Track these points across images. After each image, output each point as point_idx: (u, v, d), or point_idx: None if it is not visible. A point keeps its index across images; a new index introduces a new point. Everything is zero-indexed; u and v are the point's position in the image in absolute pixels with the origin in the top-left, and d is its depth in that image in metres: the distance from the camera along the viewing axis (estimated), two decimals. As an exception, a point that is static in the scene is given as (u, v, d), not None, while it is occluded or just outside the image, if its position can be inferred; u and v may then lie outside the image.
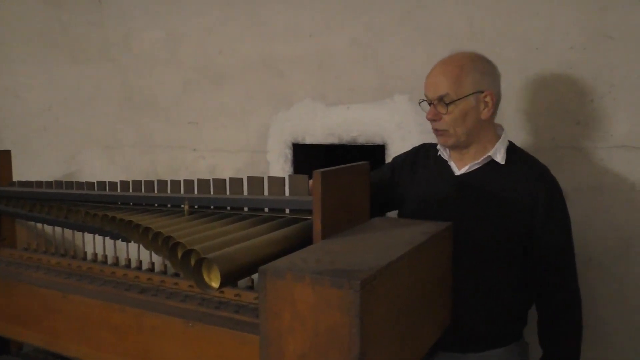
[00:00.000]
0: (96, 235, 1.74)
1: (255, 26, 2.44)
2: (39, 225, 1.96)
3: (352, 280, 0.89)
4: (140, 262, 1.66)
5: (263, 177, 1.40)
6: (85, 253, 1.79)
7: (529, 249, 1.50)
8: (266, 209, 1.40)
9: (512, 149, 1.56)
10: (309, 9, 2.29)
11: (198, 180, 1.51)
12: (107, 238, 1.70)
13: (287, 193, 1.35)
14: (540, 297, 1.57)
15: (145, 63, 2.78)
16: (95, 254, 1.75)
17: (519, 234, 1.48)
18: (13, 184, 2.09)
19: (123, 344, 1.43)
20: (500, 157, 1.52)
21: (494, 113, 1.52)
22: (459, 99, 1.46)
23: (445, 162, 1.59)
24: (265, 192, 1.40)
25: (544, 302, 1.56)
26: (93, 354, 1.50)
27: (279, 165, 2.39)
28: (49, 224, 1.89)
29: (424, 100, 1.54)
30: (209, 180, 1.50)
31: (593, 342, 1.85)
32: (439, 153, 1.62)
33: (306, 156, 2.08)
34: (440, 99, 1.47)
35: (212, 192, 1.49)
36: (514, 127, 1.91)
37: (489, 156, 1.52)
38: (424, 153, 1.68)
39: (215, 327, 1.26)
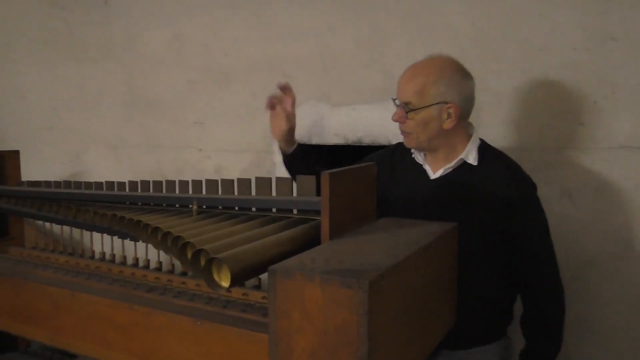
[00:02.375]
0: (104, 235, 1.76)
1: (260, 27, 2.45)
2: (47, 224, 1.98)
3: (361, 280, 0.91)
4: (148, 261, 1.67)
5: (271, 178, 1.42)
6: (93, 252, 1.81)
7: (508, 248, 1.53)
8: (274, 210, 1.41)
9: (484, 148, 1.58)
10: (313, 10, 2.31)
11: (206, 180, 1.53)
12: (115, 237, 1.71)
13: (294, 194, 1.37)
14: (524, 292, 1.61)
15: (151, 63, 2.79)
16: (103, 253, 1.77)
17: (498, 233, 1.51)
18: (22, 183, 2.11)
19: (131, 342, 1.44)
20: (472, 159, 1.55)
21: (459, 123, 1.54)
22: (420, 108, 1.51)
23: (420, 166, 1.62)
24: (273, 193, 1.42)
25: (527, 297, 1.60)
26: (100, 351, 1.51)
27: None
28: (57, 223, 1.91)
29: (395, 99, 1.58)
30: (217, 180, 1.51)
31: (594, 343, 1.87)
32: (413, 156, 1.65)
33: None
34: (404, 105, 1.53)
35: (220, 193, 1.50)
36: (517, 128, 1.93)
37: (461, 158, 1.55)
38: (400, 154, 1.71)
39: (222, 326, 1.27)
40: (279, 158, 2.36)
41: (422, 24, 2.09)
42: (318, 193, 1.28)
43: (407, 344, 1.11)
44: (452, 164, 1.56)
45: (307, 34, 2.34)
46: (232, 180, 1.49)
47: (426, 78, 1.51)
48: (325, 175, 1.16)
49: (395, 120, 1.56)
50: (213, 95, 2.63)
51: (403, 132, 1.58)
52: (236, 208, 1.48)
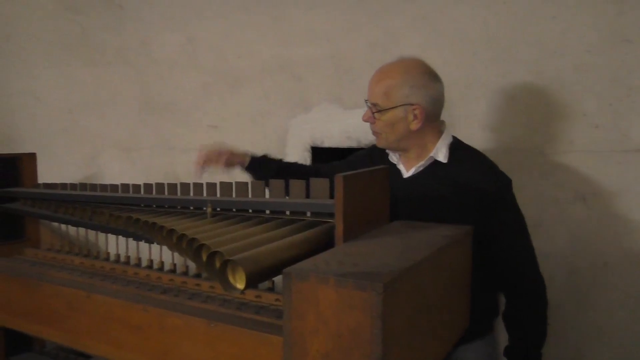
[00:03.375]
0: (119, 236, 1.77)
1: (273, 30, 2.46)
2: (63, 226, 2.00)
3: (375, 283, 0.91)
4: (162, 263, 1.68)
5: (284, 180, 1.43)
6: (108, 253, 1.83)
7: (485, 243, 1.53)
8: (288, 212, 1.42)
9: (456, 146, 1.60)
10: (326, 13, 2.32)
11: (220, 183, 1.54)
12: (130, 239, 1.73)
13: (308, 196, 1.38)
14: (505, 287, 1.62)
15: (164, 67, 2.82)
16: (118, 255, 1.79)
17: (475, 227, 1.50)
18: (38, 185, 2.13)
19: (145, 343, 1.45)
20: (442, 157, 1.58)
21: (427, 124, 1.57)
22: (386, 109, 1.55)
23: (394, 165, 1.66)
24: (287, 196, 1.42)
25: (508, 293, 1.61)
26: (115, 352, 1.53)
27: (297, 168, 2.41)
28: (73, 224, 1.93)
29: (366, 100, 1.62)
30: (231, 183, 1.52)
31: (609, 347, 1.85)
32: (389, 157, 1.68)
33: (325, 159, 2.11)
34: (373, 106, 1.58)
35: (234, 195, 1.52)
36: (531, 130, 1.92)
37: (431, 157, 1.58)
38: (379, 154, 1.74)
39: (236, 328, 1.28)
40: (291, 160, 2.37)
41: (434, 26, 2.08)
42: (331, 196, 1.29)
43: (421, 346, 1.11)
44: (423, 162, 1.59)
45: (320, 37, 2.34)
46: (246, 183, 1.50)
47: (392, 80, 1.56)
48: (339, 178, 1.16)
49: (365, 121, 1.62)
50: (226, 98, 2.64)
51: (374, 133, 1.63)
52: (250, 210, 1.48)
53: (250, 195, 1.49)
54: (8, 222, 2.17)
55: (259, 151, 2.54)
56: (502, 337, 1.68)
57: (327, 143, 2.34)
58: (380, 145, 1.64)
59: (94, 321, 1.56)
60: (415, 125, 1.56)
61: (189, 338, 1.37)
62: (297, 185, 1.38)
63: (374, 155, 1.76)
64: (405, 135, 1.58)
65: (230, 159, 1.77)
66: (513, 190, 1.58)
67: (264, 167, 1.80)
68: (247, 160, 1.80)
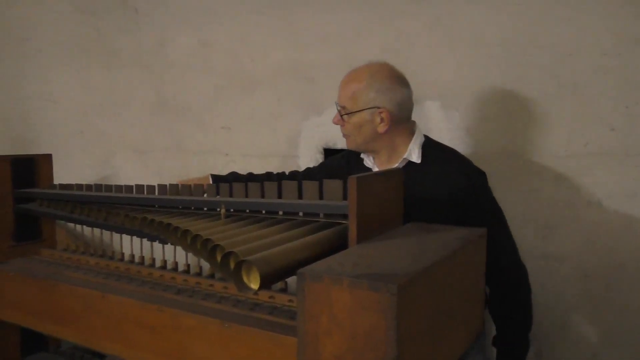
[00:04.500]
0: (133, 237, 1.79)
1: (287, 33, 2.47)
2: (78, 226, 2.02)
3: (389, 284, 0.91)
4: (177, 263, 1.69)
5: (297, 182, 1.43)
6: (122, 254, 1.84)
7: None
8: (301, 213, 1.42)
9: (428, 145, 1.63)
10: (339, 16, 2.32)
11: (234, 184, 1.55)
12: (144, 240, 1.74)
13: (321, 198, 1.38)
14: (487, 278, 1.59)
15: (178, 69, 2.84)
16: (133, 255, 1.80)
17: (449, 222, 1.50)
18: (54, 186, 2.16)
19: (159, 343, 1.46)
20: (415, 157, 1.60)
21: (394, 127, 1.61)
22: (352, 112, 1.60)
23: (370, 170, 1.69)
24: (300, 197, 1.43)
25: (491, 283, 1.61)
26: (130, 352, 1.54)
27: (310, 170, 2.41)
28: (88, 225, 1.94)
29: (336, 103, 1.66)
30: (245, 184, 1.53)
31: (626, 350, 1.84)
32: (364, 162, 1.72)
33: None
34: (341, 110, 1.63)
35: (247, 196, 1.52)
36: (546, 133, 1.91)
37: (405, 158, 1.61)
38: (355, 158, 1.77)
39: (250, 328, 1.28)
40: (303, 162, 2.38)
41: (447, 29, 2.08)
42: (344, 197, 1.29)
43: (435, 349, 1.11)
44: (397, 164, 1.62)
45: (333, 40, 2.35)
46: (260, 184, 1.50)
47: (358, 84, 1.60)
48: (352, 179, 1.16)
49: (335, 123, 1.66)
50: (239, 101, 2.65)
51: (343, 135, 1.67)
52: (263, 212, 1.49)
53: (263, 197, 1.49)
54: (25, 223, 2.20)
55: (270, 153, 2.55)
56: (492, 328, 1.67)
57: (340, 145, 2.35)
58: (350, 147, 1.68)
59: (109, 321, 1.57)
60: (382, 128, 1.60)
61: (202, 338, 1.37)
62: (310, 186, 1.39)
63: (351, 158, 1.79)
64: (373, 138, 1.62)
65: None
66: (488, 184, 1.59)
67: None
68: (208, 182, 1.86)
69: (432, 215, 1.50)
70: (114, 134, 3.12)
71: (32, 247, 2.15)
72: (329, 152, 2.39)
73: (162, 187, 1.73)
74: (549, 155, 1.91)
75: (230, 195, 1.55)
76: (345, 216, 1.25)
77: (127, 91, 3.06)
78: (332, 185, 1.33)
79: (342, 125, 1.65)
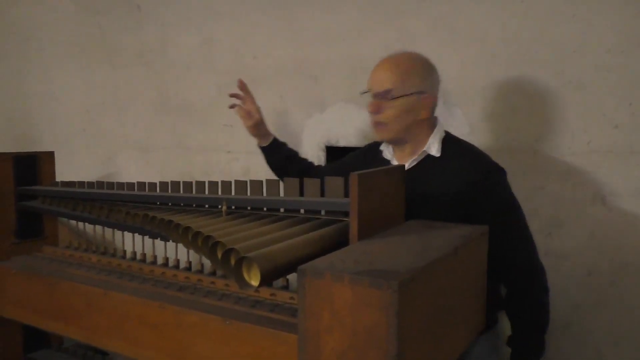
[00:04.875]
0: (135, 234, 1.79)
1: (289, 31, 2.47)
2: (81, 224, 2.02)
3: (390, 281, 0.91)
4: (178, 260, 1.69)
5: (299, 179, 1.43)
6: (124, 251, 1.84)
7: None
8: (302, 210, 1.42)
9: (448, 140, 1.61)
10: (342, 14, 2.32)
11: (235, 181, 1.55)
12: (146, 237, 1.74)
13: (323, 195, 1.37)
14: (504, 277, 1.60)
15: (181, 67, 2.84)
16: (135, 253, 1.80)
17: (468, 220, 1.49)
18: (56, 184, 2.16)
19: (162, 341, 1.46)
20: (434, 150, 1.58)
21: (431, 114, 1.60)
22: (401, 96, 1.54)
23: (388, 162, 1.66)
24: (301, 194, 1.42)
25: (508, 281, 1.60)
26: (132, 349, 1.54)
27: (313, 168, 2.41)
28: (90, 222, 1.95)
29: (366, 92, 1.61)
30: (246, 181, 1.53)
31: (630, 349, 1.83)
32: (383, 154, 1.69)
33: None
34: (384, 94, 1.55)
35: (249, 193, 1.52)
36: (550, 131, 1.90)
37: (425, 151, 1.59)
38: (373, 153, 1.75)
39: (251, 326, 1.28)
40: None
41: (451, 27, 2.07)
42: (346, 194, 1.29)
43: (436, 345, 1.11)
44: (416, 157, 1.60)
45: (336, 38, 2.34)
46: (261, 182, 1.50)
47: (406, 68, 1.57)
48: (354, 176, 1.16)
49: (373, 112, 1.59)
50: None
51: (378, 124, 1.60)
52: (265, 209, 1.49)
53: (264, 194, 1.49)
54: (27, 220, 2.20)
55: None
56: (507, 329, 1.66)
57: (342, 143, 2.34)
58: (383, 136, 1.62)
59: (111, 318, 1.57)
60: (424, 115, 1.58)
61: (204, 336, 1.37)
62: (312, 183, 1.38)
63: (367, 154, 1.77)
64: (411, 126, 1.59)
65: (254, 129, 1.96)
66: (507, 181, 1.57)
67: (278, 154, 1.97)
68: (269, 139, 1.96)
69: (448, 209, 1.51)
70: (117, 132, 3.12)
71: (35, 244, 2.16)
72: (331, 150, 2.39)
73: (163, 185, 1.73)
74: (552, 152, 1.90)
75: (232, 193, 1.55)
76: (347, 213, 1.24)
77: (129, 89, 3.06)
78: (334, 182, 1.33)
79: (378, 112, 1.58)
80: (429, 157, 1.60)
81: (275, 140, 1.99)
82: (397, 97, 1.55)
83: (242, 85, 1.99)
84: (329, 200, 1.32)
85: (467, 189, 1.51)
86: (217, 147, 2.75)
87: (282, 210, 1.46)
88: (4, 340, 2.14)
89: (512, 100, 1.97)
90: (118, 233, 1.88)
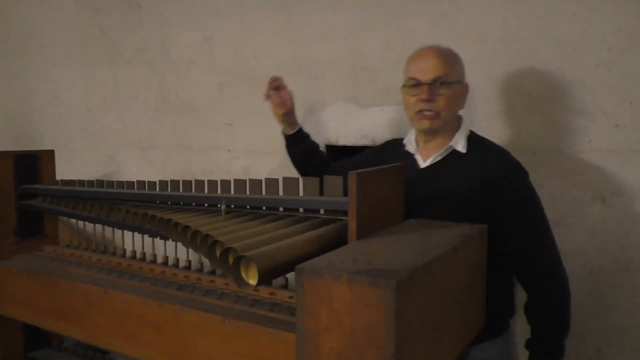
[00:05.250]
0: (135, 233, 1.79)
1: (290, 29, 2.47)
2: (81, 222, 2.02)
3: (388, 280, 0.90)
4: (178, 259, 1.69)
5: (298, 178, 1.43)
6: (124, 250, 1.85)
7: (502, 235, 1.52)
8: (301, 209, 1.42)
9: (473, 137, 1.61)
10: (343, 12, 2.31)
11: (235, 180, 1.55)
12: (146, 236, 1.74)
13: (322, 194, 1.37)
14: (525, 280, 1.58)
15: (182, 66, 2.84)
16: (134, 251, 1.80)
17: (489, 218, 1.49)
18: (56, 182, 2.16)
19: (161, 339, 1.46)
20: (461, 146, 1.58)
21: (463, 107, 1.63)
22: (453, 82, 1.55)
23: (411, 156, 1.65)
24: (301, 193, 1.42)
25: (528, 284, 1.58)
26: (132, 348, 1.54)
27: (313, 167, 2.40)
28: (90, 221, 1.95)
29: (418, 84, 1.56)
30: (245, 180, 1.53)
31: (630, 350, 1.82)
32: (406, 148, 1.67)
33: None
34: (436, 81, 1.54)
35: (248, 192, 1.52)
36: (550, 129, 1.89)
37: (451, 146, 1.58)
38: (393, 150, 1.73)
39: (250, 325, 1.29)
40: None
41: (452, 25, 2.07)
42: (345, 193, 1.28)
43: (435, 344, 1.10)
44: (442, 151, 1.59)
45: (337, 36, 2.34)
46: (260, 180, 1.50)
47: (450, 56, 1.59)
48: (352, 175, 1.16)
49: (427, 99, 1.54)
50: (242, 97, 2.65)
51: (429, 113, 1.56)
52: (264, 208, 1.49)
53: (264, 193, 1.49)
54: (27, 219, 2.20)
55: (273, 149, 2.54)
56: (519, 336, 1.66)
57: (342, 141, 2.34)
58: (434, 126, 1.57)
59: (111, 317, 1.58)
60: (462, 104, 1.61)
61: (204, 334, 1.37)
62: (310, 182, 1.38)
63: (388, 149, 1.76)
64: (454, 116, 1.60)
65: (285, 117, 1.94)
66: (530, 182, 1.56)
67: (301, 144, 1.95)
68: (296, 128, 1.95)
69: (470, 207, 1.50)
70: (118, 131, 3.12)
71: (35, 243, 2.16)
72: (331, 149, 2.38)
73: (163, 183, 1.73)
74: (553, 151, 1.89)
75: (231, 192, 1.55)
76: (345, 212, 1.24)
77: (130, 88, 3.06)
78: (333, 182, 1.33)
79: (432, 101, 1.55)
80: (454, 153, 1.59)
81: (300, 130, 1.96)
82: (449, 84, 1.55)
83: (275, 80, 1.99)
84: (328, 199, 1.32)
85: (491, 187, 1.50)
86: (218, 145, 2.75)
87: (281, 209, 1.46)
88: (4, 340, 2.14)
89: (512, 99, 1.96)
90: (118, 232, 1.88)
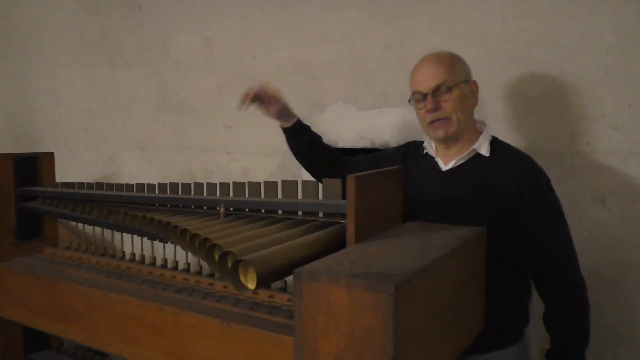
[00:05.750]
0: (134, 236, 1.79)
1: (289, 31, 2.47)
2: (80, 225, 2.02)
3: (386, 284, 0.90)
4: (177, 262, 1.69)
5: (297, 181, 1.43)
6: (123, 253, 1.85)
7: (522, 241, 1.51)
8: (300, 212, 1.42)
9: (496, 142, 1.60)
10: (342, 13, 2.31)
11: (234, 183, 1.55)
12: (145, 238, 1.74)
13: (320, 197, 1.37)
14: (543, 288, 1.57)
15: (182, 67, 2.84)
16: (133, 254, 1.80)
17: (511, 223, 1.49)
18: (56, 185, 2.16)
19: (160, 342, 1.46)
20: (484, 150, 1.56)
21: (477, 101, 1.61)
22: (455, 85, 1.53)
23: (432, 159, 1.63)
24: (299, 196, 1.42)
25: (547, 293, 1.56)
26: (131, 351, 1.54)
27: (311, 169, 2.40)
28: (89, 224, 1.95)
29: (422, 97, 1.56)
30: (244, 183, 1.53)
31: (630, 351, 1.82)
32: (425, 151, 1.66)
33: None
34: (438, 88, 1.53)
35: (247, 195, 1.52)
36: (549, 132, 1.89)
37: (474, 149, 1.56)
38: (414, 151, 1.71)
39: (249, 328, 1.29)
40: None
41: (451, 26, 2.07)
42: (344, 196, 1.28)
43: (434, 347, 1.10)
44: (464, 154, 1.57)
45: (336, 37, 2.34)
46: (259, 183, 1.50)
47: (449, 59, 1.57)
48: (351, 178, 1.16)
49: (432, 109, 1.54)
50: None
51: (438, 121, 1.55)
52: (263, 211, 1.49)
53: (262, 196, 1.49)
54: (27, 221, 2.21)
55: (272, 151, 2.54)
56: (534, 347, 1.64)
57: (341, 143, 2.34)
58: (447, 132, 1.55)
59: (111, 320, 1.58)
60: (474, 102, 1.59)
61: (203, 337, 1.37)
62: (309, 185, 1.38)
63: (408, 151, 1.73)
64: (469, 114, 1.59)
65: (278, 114, 1.80)
66: (553, 188, 1.54)
67: (301, 135, 1.83)
68: (293, 121, 1.82)
69: (492, 211, 1.49)
70: (118, 132, 3.12)
71: (35, 245, 2.16)
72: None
73: (162, 186, 1.73)
74: (552, 153, 1.89)
75: (230, 194, 1.55)
76: (344, 215, 1.24)
77: (130, 89, 3.06)
78: (332, 184, 1.33)
79: (437, 110, 1.54)
80: (477, 157, 1.57)
81: (299, 121, 1.84)
82: (453, 87, 1.53)
83: (254, 96, 1.80)
84: (327, 202, 1.32)
85: (517, 192, 1.49)
86: (217, 147, 2.75)
87: (280, 212, 1.46)
88: (4, 341, 2.15)
89: (511, 101, 1.96)
90: (117, 234, 1.88)
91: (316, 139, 1.86)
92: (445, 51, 1.61)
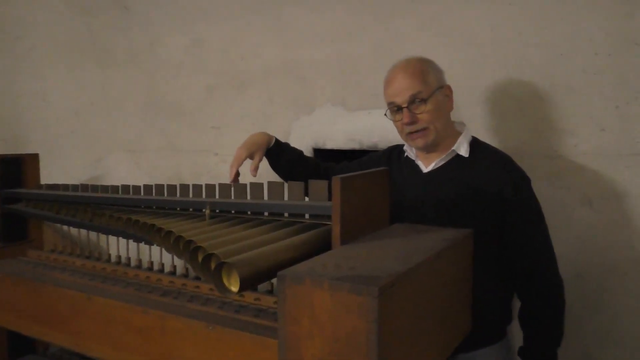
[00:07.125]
0: (119, 238, 1.77)
1: (278, 32, 2.46)
2: (65, 227, 2.00)
3: (370, 287, 0.89)
4: (163, 264, 1.68)
5: (283, 183, 1.42)
6: (109, 255, 1.82)
7: (503, 241, 1.53)
8: (286, 214, 1.41)
9: (475, 143, 1.61)
10: (331, 15, 2.31)
11: (219, 184, 1.53)
12: (130, 240, 1.72)
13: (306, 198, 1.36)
14: (521, 286, 1.59)
15: (170, 68, 2.82)
16: (119, 256, 1.78)
17: (491, 223, 1.51)
18: (41, 186, 2.14)
19: (146, 346, 1.45)
20: (463, 151, 1.58)
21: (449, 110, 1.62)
22: (430, 95, 1.54)
23: (413, 161, 1.65)
24: (286, 197, 1.41)
25: (524, 291, 1.58)
26: (116, 355, 1.52)
27: (300, 170, 2.39)
28: (74, 226, 1.93)
29: (398, 108, 1.57)
30: (230, 185, 1.52)
31: (617, 353, 1.82)
32: (406, 154, 1.67)
33: (328, 161, 2.10)
34: (414, 99, 1.54)
35: (233, 197, 1.50)
36: (538, 133, 1.89)
37: (454, 150, 1.58)
38: (396, 155, 1.73)
39: (235, 331, 1.27)
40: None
41: (440, 28, 2.06)
42: (330, 198, 1.27)
43: (420, 350, 1.09)
44: (444, 156, 1.59)
45: (325, 39, 2.33)
46: (245, 185, 1.49)
47: (419, 68, 1.57)
48: (336, 180, 1.15)
49: (409, 122, 1.56)
50: (231, 100, 2.64)
51: (417, 132, 1.57)
52: (249, 212, 1.47)
53: (249, 197, 1.48)
54: (11, 223, 2.18)
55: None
56: (517, 343, 1.65)
57: (330, 145, 2.33)
58: (426, 142, 1.57)
59: (96, 323, 1.55)
60: (450, 106, 1.60)
61: (189, 341, 1.36)
62: (295, 187, 1.37)
63: (392, 155, 1.75)
64: (447, 120, 1.60)
65: (261, 157, 1.77)
66: (532, 189, 1.56)
67: (282, 155, 1.81)
68: (271, 143, 1.80)
69: (473, 211, 1.50)
70: (106, 134, 3.10)
71: (20, 247, 2.13)
72: (318, 152, 2.37)
73: (148, 188, 1.71)
74: (540, 155, 1.89)
75: (215, 196, 1.54)
76: (330, 217, 1.23)
77: (119, 90, 3.04)
78: (318, 186, 1.32)
79: (414, 122, 1.55)
80: (457, 158, 1.59)
81: (277, 142, 1.82)
82: (428, 99, 1.54)
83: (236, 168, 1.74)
84: (312, 204, 1.31)
85: (497, 192, 1.50)
86: (206, 149, 2.73)
87: (266, 213, 1.44)
88: (-12, 345, 2.12)
89: (499, 103, 1.96)
90: (102, 236, 1.86)
91: (296, 155, 1.84)
92: (416, 57, 1.61)
